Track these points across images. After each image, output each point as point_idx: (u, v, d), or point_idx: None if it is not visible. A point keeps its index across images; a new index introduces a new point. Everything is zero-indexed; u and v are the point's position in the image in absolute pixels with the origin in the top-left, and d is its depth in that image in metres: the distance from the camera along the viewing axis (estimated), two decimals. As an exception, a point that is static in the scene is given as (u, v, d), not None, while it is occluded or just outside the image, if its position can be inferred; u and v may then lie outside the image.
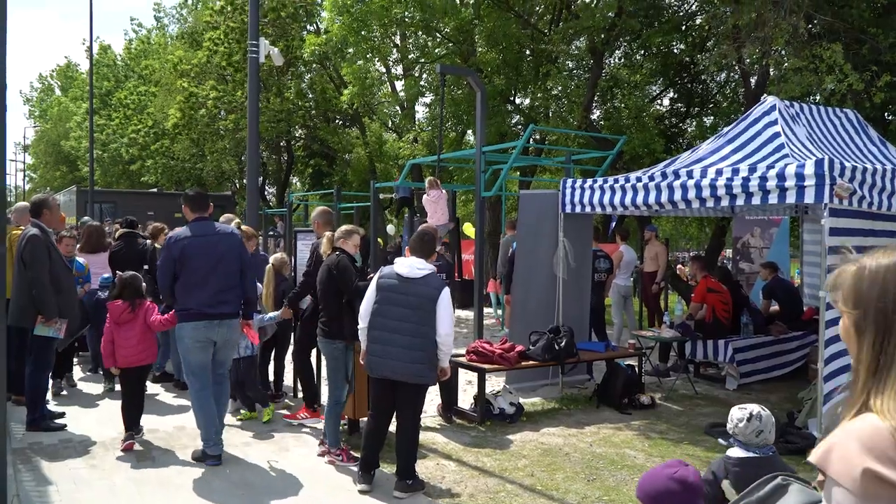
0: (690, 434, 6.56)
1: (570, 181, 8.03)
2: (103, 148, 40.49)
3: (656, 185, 6.84)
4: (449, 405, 6.85)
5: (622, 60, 13.94)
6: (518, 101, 17.45)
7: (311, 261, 6.20)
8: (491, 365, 6.73)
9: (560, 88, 13.10)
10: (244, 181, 33.99)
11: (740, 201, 6.14)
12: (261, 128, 23.61)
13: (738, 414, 3.54)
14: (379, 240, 14.83)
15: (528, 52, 14.27)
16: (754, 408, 3.54)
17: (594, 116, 14.52)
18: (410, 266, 4.79)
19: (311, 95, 25.96)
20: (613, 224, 15.98)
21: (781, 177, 5.78)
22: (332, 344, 5.54)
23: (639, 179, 7.09)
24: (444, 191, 10.02)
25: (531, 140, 13.55)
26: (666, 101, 15.47)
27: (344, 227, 5.80)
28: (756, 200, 6.02)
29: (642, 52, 13.36)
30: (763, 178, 5.91)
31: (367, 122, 27.21)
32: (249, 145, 9.17)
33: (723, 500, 3.35)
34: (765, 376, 8.74)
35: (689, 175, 6.59)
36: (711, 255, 13.05)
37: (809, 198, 5.59)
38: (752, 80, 12.63)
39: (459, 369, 6.99)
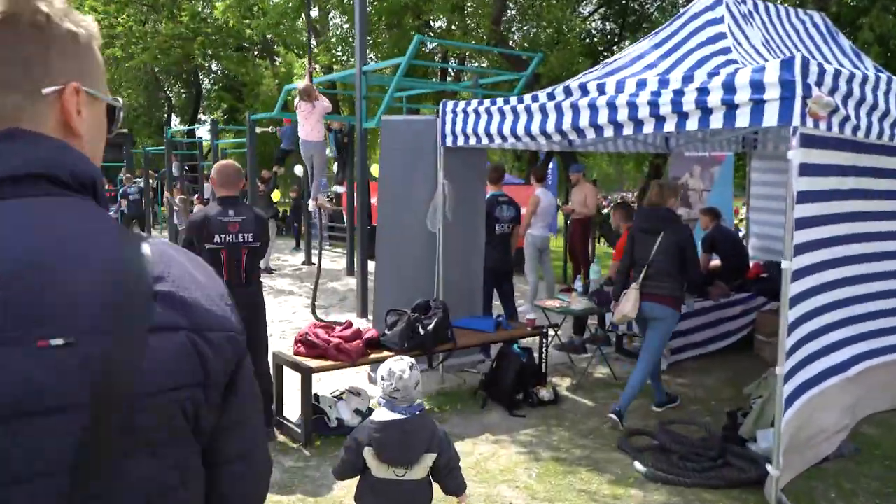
0: (598, 450, 4.76)
1: (451, 104, 5.99)
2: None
3: (557, 105, 4.87)
4: (269, 415, 4.92)
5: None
6: (436, 23, 15.18)
7: None
8: (323, 360, 4.78)
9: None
10: (152, 117, 30.96)
11: (670, 125, 4.22)
12: (148, 56, 20.94)
13: (382, 370, 2.93)
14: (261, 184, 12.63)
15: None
16: (396, 364, 2.91)
17: (516, 38, 12.41)
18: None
19: (218, 21, 23.03)
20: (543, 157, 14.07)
21: (729, 87, 3.86)
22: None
23: (535, 99, 5.11)
24: (321, 103, 7.94)
25: (437, 60, 11.44)
26: (597, 24, 13.37)
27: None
28: (692, 124, 4.09)
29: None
30: (703, 91, 3.98)
31: (281, 51, 24.54)
32: None
33: (364, 469, 2.86)
34: (701, 350, 7.05)
35: (601, 90, 4.64)
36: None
37: (771, 118, 3.68)
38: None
39: (285, 367, 5.03)
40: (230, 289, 1.00)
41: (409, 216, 6.08)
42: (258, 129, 11.78)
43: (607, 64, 5.53)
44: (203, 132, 30.17)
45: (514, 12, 11.73)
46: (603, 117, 4.55)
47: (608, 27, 11.92)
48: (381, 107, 8.14)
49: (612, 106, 4.49)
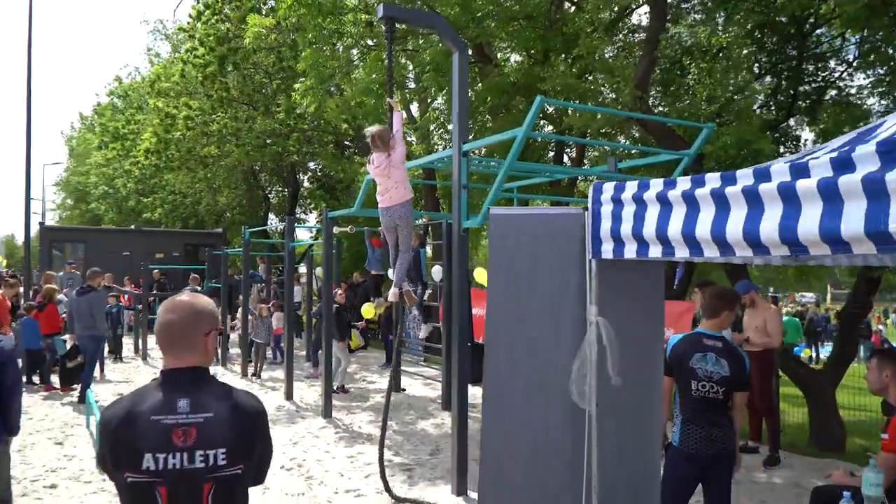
0: None
1: (610, 187, 3.53)
2: (110, 184, 38.13)
3: (872, 183, 2.31)
4: None
5: (701, 24, 8.96)
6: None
7: None
8: None
9: (595, 58, 8.38)
10: (252, 216, 30.24)
11: None
12: (240, 152, 19.90)
13: None
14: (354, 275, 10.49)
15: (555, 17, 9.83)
16: None
17: (661, 109, 9.88)
18: None
19: (312, 115, 21.89)
20: (680, 273, 11.28)
21: None
22: None
23: (799, 172, 2.58)
24: (397, 149, 5.72)
25: (550, 145, 9.06)
26: (761, 97, 10.55)
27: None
28: None
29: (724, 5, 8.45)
30: None
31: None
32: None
33: None
34: None
35: None
36: (849, 324, 8.19)
37: None
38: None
39: None
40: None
41: (533, 371, 3.56)
42: (336, 230, 9.76)
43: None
44: (303, 233, 29.15)
45: (656, 80, 9.33)
46: None
47: (778, 99, 9.24)
48: (489, 198, 5.78)
49: None
